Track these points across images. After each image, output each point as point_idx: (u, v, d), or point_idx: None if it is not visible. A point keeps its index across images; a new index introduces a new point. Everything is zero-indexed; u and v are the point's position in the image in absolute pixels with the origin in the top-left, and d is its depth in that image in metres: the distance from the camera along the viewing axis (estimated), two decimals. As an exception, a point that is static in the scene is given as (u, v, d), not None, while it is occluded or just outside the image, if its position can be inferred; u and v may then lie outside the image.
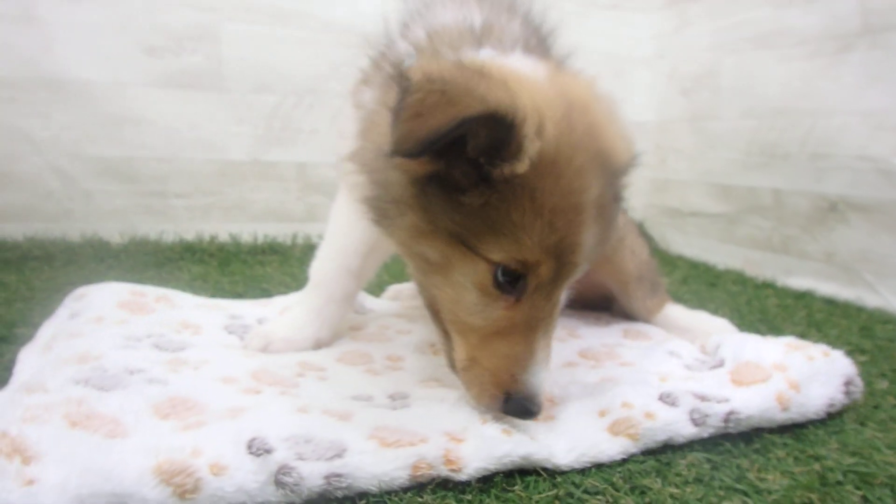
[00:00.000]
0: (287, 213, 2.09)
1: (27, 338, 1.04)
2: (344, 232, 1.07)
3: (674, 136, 2.38)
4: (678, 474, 0.76)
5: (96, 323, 1.03)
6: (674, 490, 0.72)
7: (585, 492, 0.72)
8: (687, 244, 2.31)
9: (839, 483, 0.76)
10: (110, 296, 1.14)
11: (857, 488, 0.75)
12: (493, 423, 0.77)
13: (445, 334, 0.82)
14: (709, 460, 0.80)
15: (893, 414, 0.95)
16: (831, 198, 1.76)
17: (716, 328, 1.24)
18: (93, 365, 0.83)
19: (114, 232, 1.85)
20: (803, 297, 1.70)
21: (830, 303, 1.65)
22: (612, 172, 0.76)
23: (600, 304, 1.39)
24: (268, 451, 0.65)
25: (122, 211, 1.90)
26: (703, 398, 0.86)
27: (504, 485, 0.72)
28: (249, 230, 2.02)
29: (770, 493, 0.73)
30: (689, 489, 0.73)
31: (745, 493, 0.73)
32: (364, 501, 0.67)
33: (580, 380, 0.96)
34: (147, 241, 1.86)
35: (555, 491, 0.71)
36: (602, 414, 0.83)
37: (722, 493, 0.73)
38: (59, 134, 1.81)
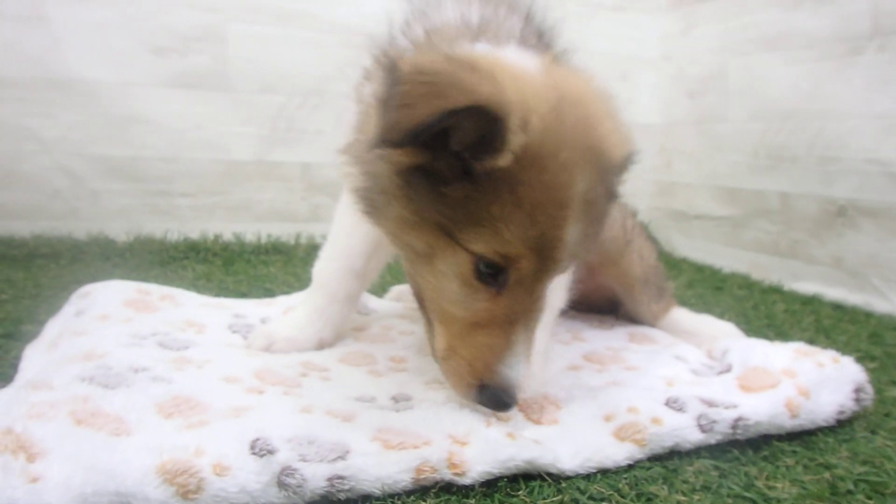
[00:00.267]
0: (291, 213, 2.09)
1: (33, 335, 1.05)
2: (347, 232, 1.07)
3: (680, 138, 2.36)
4: (685, 481, 0.75)
5: (101, 321, 1.03)
6: (681, 497, 0.71)
7: (591, 498, 0.71)
8: (692, 247, 2.29)
9: (850, 492, 0.74)
10: (115, 294, 1.14)
11: (869, 498, 0.73)
12: (497, 426, 0.76)
13: (430, 323, 0.82)
14: (716, 467, 0.79)
15: (904, 422, 0.94)
16: (839, 201, 1.74)
17: (722, 332, 1.23)
18: (98, 363, 0.83)
19: (119, 231, 1.86)
20: (811, 302, 1.69)
21: (838, 308, 1.63)
22: (604, 168, 0.75)
23: (606, 308, 1.38)
24: (271, 452, 0.65)
25: (127, 210, 1.91)
26: (710, 404, 0.85)
27: (508, 489, 0.71)
28: (253, 230, 2.02)
29: (779, 501, 0.72)
30: (696, 497, 0.72)
31: (754, 502, 0.72)
32: (367, 504, 0.66)
33: (585, 383, 0.95)
34: (152, 240, 1.86)
35: (560, 496, 0.70)
36: (607, 418, 0.82)
37: (730, 501, 0.72)
38: (66, 133, 1.81)
